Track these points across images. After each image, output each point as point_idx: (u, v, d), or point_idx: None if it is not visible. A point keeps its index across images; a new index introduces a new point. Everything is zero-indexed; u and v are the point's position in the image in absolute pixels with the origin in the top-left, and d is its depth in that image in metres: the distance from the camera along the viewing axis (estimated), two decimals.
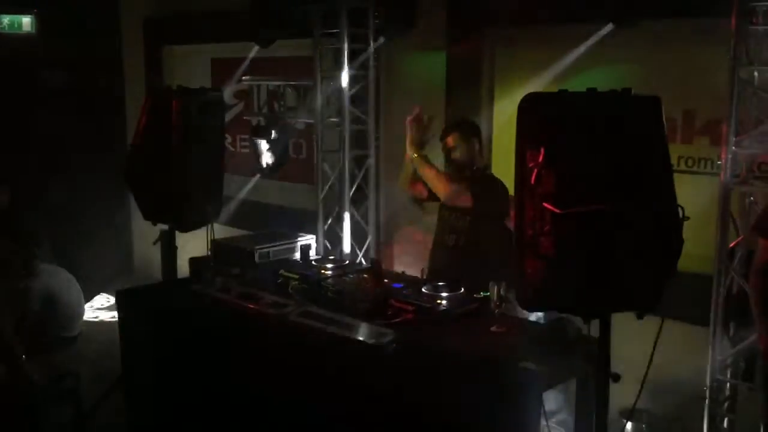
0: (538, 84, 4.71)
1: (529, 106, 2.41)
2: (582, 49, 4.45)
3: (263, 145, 6.21)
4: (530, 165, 2.43)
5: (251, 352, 3.17)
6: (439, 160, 4.28)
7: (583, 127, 2.35)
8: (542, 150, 2.38)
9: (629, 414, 3.56)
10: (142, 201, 4.03)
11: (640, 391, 2.68)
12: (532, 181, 2.43)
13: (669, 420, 4.31)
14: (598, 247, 2.31)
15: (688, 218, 2.31)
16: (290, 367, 3.02)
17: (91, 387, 4.64)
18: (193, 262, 4.35)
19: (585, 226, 2.30)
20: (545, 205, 2.37)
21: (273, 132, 6.20)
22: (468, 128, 4.25)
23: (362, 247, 5.81)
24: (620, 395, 3.02)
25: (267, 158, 6.15)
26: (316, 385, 2.94)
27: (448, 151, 4.18)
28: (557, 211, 2.33)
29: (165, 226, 4.13)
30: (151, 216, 4.00)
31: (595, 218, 2.30)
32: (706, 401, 3.95)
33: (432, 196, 4.26)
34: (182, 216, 3.93)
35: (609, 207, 2.29)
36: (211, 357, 3.31)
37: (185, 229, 4.03)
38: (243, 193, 6.76)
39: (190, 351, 3.43)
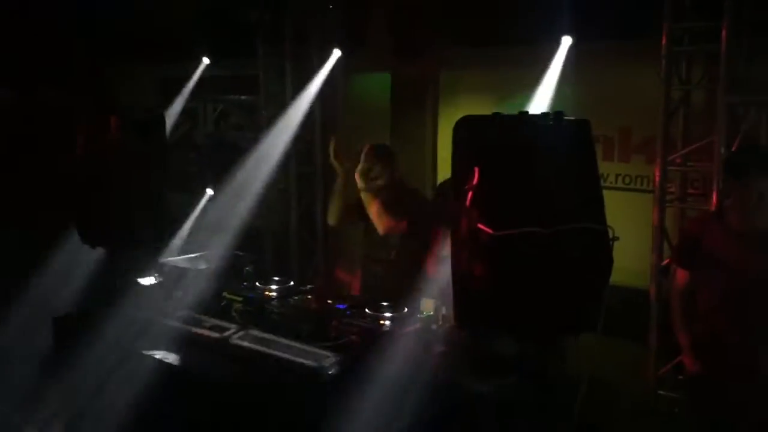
0: (480, 106, 4.78)
1: (464, 129, 2.45)
2: (522, 71, 4.54)
3: (210, 163, 6.19)
4: (465, 187, 2.47)
5: (193, 376, 3.12)
6: None
7: (516, 150, 2.39)
8: (477, 172, 2.42)
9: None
10: (80, 223, 3.95)
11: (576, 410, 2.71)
12: (468, 203, 2.46)
13: None
14: (532, 268, 2.34)
15: (617, 238, 2.36)
16: (232, 391, 2.98)
17: None
18: (138, 284, 4.27)
19: (519, 247, 2.34)
20: (480, 226, 2.40)
21: (220, 150, 6.18)
22: (386, 154, 4.21)
23: (310, 265, 5.79)
24: None
25: (214, 176, 6.12)
26: (258, 410, 2.91)
27: (370, 179, 4.08)
28: (491, 232, 2.37)
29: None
30: (90, 239, 3.92)
31: (528, 239, 2.33)
32: (648, 413, 4.03)
33: (358, 221, 4.25)
34: (122, 239, 3.85)
35: (541, 228, 2.33)
36: (151, 381, 3.24)
37: (125, 253, 3.95)
38: (189, 212, 6.66)
39: (129, 375, 3.36)
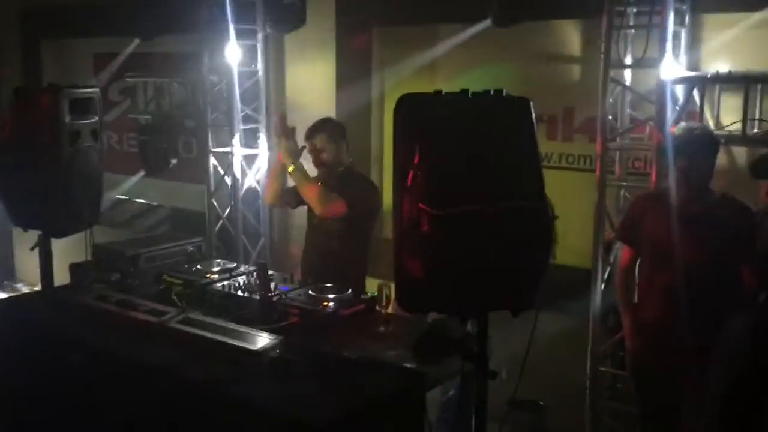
0: (427, 83, 4.75)
1: (404, 107, 2.40)
2: (467, 48, 4.52)
3: (150, 143, 6.02)
4: (406, 166, 2.43)
5: (127, 362, 3.02)
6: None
7: (456, 128, 2.36)
8: (417, 151, 2.38)
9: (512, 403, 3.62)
10: (10, 205, 3.79)
11: (517, 385, 2.72)
12: (409, 183, 2.43)
13: (553, 410, 4.44)
14: (473, 248, 2.32)
15: (557, 217, 2.36)
16: (169, 376, 2.90)
17: None
18: (74, 268, 4.14)
19: (460, 226, 2.31)
20: (421, 206, 2.36)
21: (161, 130, 6.03)
22: (335, 129, 4.10)
23: (256, 249, 5.71)
24: (509, 387, 3.07)
25: (154, 158, 5.97)
26: (197, 395, 2.84)
27: (315, 153, 4.03)
28: (433, 212, 2.34)
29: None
30: (22, 221, 3.77)
31: (469, 219, 2.31)
32: (587, 391, 4.09)
33: (299, 204, 4.15)
34: (55, 220, 3.71)
35: (483, 207, 2.31)
36: (81, 369, 3.13)
37: (59, 235, 3.81)
38: (130, 195, 6.50)
39: (57, 364, 3.24)
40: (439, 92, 2.43)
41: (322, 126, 4.09)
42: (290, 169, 3.93)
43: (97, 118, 3.90)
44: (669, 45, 3.67)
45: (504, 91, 2.42)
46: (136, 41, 6.01)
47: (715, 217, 3.17)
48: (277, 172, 4.11)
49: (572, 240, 4.10)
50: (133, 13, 5.77)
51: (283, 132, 4.00)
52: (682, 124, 3.46)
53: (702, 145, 3.17)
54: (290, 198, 4.18)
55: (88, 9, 6.47)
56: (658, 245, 3.24)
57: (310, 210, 4.09)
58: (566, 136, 4.54)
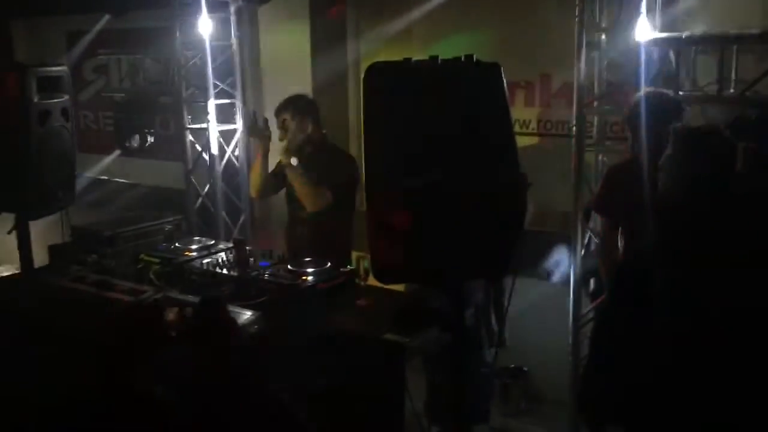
0: (403, 51, 4.67)
1: (374, 77, 2.36)
2: (444, 14, 4.46)
3: (126, 121, 5.95)
4: (376, 137, 2.40)
5: (104, 343, 2.99)
6: None
7: (427, 96, 2.32)
8: (388, 120, 2.35)
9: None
10: None
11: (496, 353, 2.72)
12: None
13: (537, 375, 4.47)
14: (446, 216, 2.30)
15: (531, 184, 2.34)
16: (146, 356, 2.87)
17: None
18: (52, 249, 4.10)
19: (433, 195, 2.29)
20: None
21: (136, 108, 5.95)
22: (301, 106, 3.99)
23: (236, 225, 5.67)
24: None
25: (131, 136, 5.90)
26: (176, 374, 2.82)
27: (283, 131, 3.97)
28: (405, 181, 2.31)
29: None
30: None
31: (442, 187, 2.29)
32: (570, 355, 4.11)
33: (282, 187, 4.13)
34: (28, 202, 3.66)
35: (455, 175, 2.29)
36: (60, 351, 3.11)
37: (33, 217, 3.77)
38: (108, 174, 6.42)
39: (35, 345, 3.21)
40: (408, 60, 2.40)
41: (287, 105, 4.01)
42: (287, 164, 3.87)
43: (67, 97, 3.83)
44: (644, 6, 3.62)
45: (474, 56, 2.38)
46: (107, 17, 5.88)
47: None
48: (257, 169, 4.09)
49: (554, 207, 4.10)
50: None
51: (255, 132, 3.98)
52: (645, 89, 3.42)
53: (662, 111, 3.11)
54: (274, 186, 4.16)
55: None
56: (629, 218, 3.21)
57: (290, 186, 4.06)
58: (544, 101, 4.51)
